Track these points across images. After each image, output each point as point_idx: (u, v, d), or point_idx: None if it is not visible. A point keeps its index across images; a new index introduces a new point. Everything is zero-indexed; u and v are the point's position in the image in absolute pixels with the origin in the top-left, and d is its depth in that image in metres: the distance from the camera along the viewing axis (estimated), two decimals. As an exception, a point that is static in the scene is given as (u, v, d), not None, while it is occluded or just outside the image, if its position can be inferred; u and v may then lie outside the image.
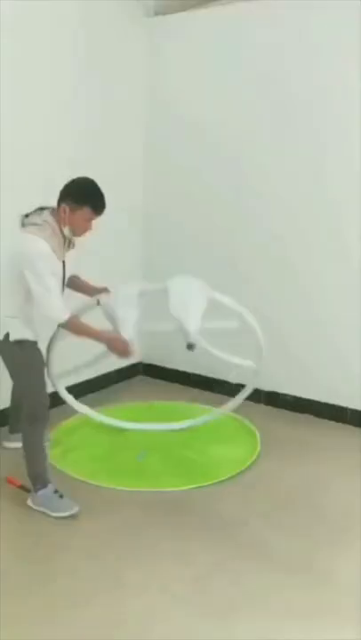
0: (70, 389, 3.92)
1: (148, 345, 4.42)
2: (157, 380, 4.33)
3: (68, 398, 3.61)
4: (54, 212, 2.78)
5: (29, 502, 2.86)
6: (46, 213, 2.77)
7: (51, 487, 2.84)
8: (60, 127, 3.74)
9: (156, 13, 4.29)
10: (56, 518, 2.76)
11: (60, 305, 2.73)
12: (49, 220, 2.74)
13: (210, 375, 4.42)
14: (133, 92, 4.31)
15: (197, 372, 4.46)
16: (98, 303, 3.03)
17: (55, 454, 3.34)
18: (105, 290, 3.12)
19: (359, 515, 2.84)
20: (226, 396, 4.27)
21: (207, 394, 4.33)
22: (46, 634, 2.09)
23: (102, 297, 3.06)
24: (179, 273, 4.36)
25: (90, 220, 2.79)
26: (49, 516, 2.78)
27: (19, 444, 3.02)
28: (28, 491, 2.90)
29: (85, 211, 2.74)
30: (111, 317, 3.02)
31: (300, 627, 2.13)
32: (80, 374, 3.80)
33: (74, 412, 3.74)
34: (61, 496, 2.83)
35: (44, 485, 2.84)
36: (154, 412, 3.99)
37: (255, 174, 4.03)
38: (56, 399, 3.90)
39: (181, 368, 4.38)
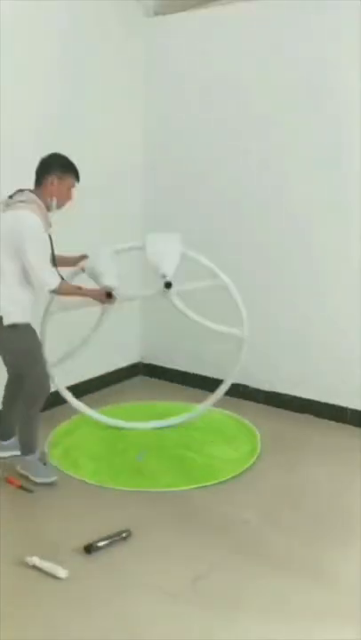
0: (71, 389, 3.92)
1: (148, 345, 4.42)
2: (157, 380, 4.34)
3: (68, 396, 3.65)
4: (35, 190, 2.94)
5: (18, 467, 3.10)
6: (27, 192, 2.90)
7: (37, 454, 3.10)
8: (59, 128, 3.74)
9: (156, 13, 4.29)
10: (36, 484, 3.01)
11: (52, 273, 2.92)
12: (32, 197, 2.88)
13: (210, 375, 4.42)
14: (133, 92, 4.31)
15: (197, 372, 4.46)
16: (83, 270, 3.22)
17: (55, 454, 3.35)
18: (84, 256, 3.26)
19: (359, 515, 2.84)
20: (225, 396, 4.28)
21: (207, 394, 4.33)
22: (45, 634, 2.09)
23: (84, 262, 3.24)
24: (178, 270, 4.40)
25: (71, 188, 3.00)
26: (29, 480, 3.03)
27: (11, 453, 3.20)
28: (30, 491, 2.91)
29: (70, 179, 2.97)
30: (95, 275, 3.20)
31: (301, 626, 2.13)
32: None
33: (73, 412, 3.74)
34: (45, 463, 3.13)
35: (32, 451, 3.09)
36: (154, 412, 3.99)
37: (255, 174, 4.03)
38: (56, 399, 3.91)
39: (181, 368, 4.38)
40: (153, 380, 4.38)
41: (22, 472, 3.07)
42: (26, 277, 2.87)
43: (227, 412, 3.95)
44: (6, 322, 2.88)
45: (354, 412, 3.83)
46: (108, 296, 3.11)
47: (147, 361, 4.67)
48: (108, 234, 3.99)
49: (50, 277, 2.88)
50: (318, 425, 3.87)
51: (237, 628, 2.11)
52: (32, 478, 3.03)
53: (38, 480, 3.02)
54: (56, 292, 2.95)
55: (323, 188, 3.77)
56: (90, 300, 3.12)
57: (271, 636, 2.08)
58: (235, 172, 4.10)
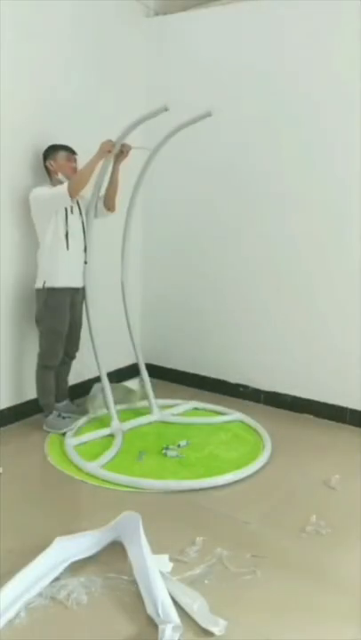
0: (71, 389, 3.92)
1: (147, 345, 4.42)
2: (157, 380, 4.32)
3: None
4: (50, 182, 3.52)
5: (44, 427, 3.61)
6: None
7: (55, 413, 3.63)
8: (59, 129, 3.73)
9: (156, 13, 4.29)
10: (61, 434, 3.55)
11: (57, 187, 3.38)
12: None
13: (209, 375, 4.43)
14: (133, 93, 4.30)
15: (197, 371, 4.46)
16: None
17: (55, 454, 3.35)
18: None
19: (359, 515, 2.84)
20: (225, 396, 4.28)
21: (207, 394, 4.34)
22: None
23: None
24: (177, 264, 4.39)
25: (68, 159, 3.49)
26: (56, 433, 3.57)
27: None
28: None
29: (60, 154, 3.47)
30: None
31: (300, 627, 2.13)
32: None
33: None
34: (63, 417, 3.63)
35: (51, 412, 3.62)
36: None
37: (255, 174, 4.03)
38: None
39: (181, 368, 4.38)
40: (153, 380, 4.37)
41: (48, 430, 3.60)
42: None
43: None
44: (37, 285, 3.49)
45: (354, 411, 3.84)
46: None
47: (146, 361, 4.65)
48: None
49: (61, 190, 3.31)
50: (318, 425, 3.87)
51: (237, 628, 2.11)
52: (56, 432, 3.57)
53: (60, 432, 3.56)
54: (71, 189, 3.28)
55: (324, 188, 3.78)
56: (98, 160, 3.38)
57: (271, 635, 2.08)
58: (235, 171, 4.10)
